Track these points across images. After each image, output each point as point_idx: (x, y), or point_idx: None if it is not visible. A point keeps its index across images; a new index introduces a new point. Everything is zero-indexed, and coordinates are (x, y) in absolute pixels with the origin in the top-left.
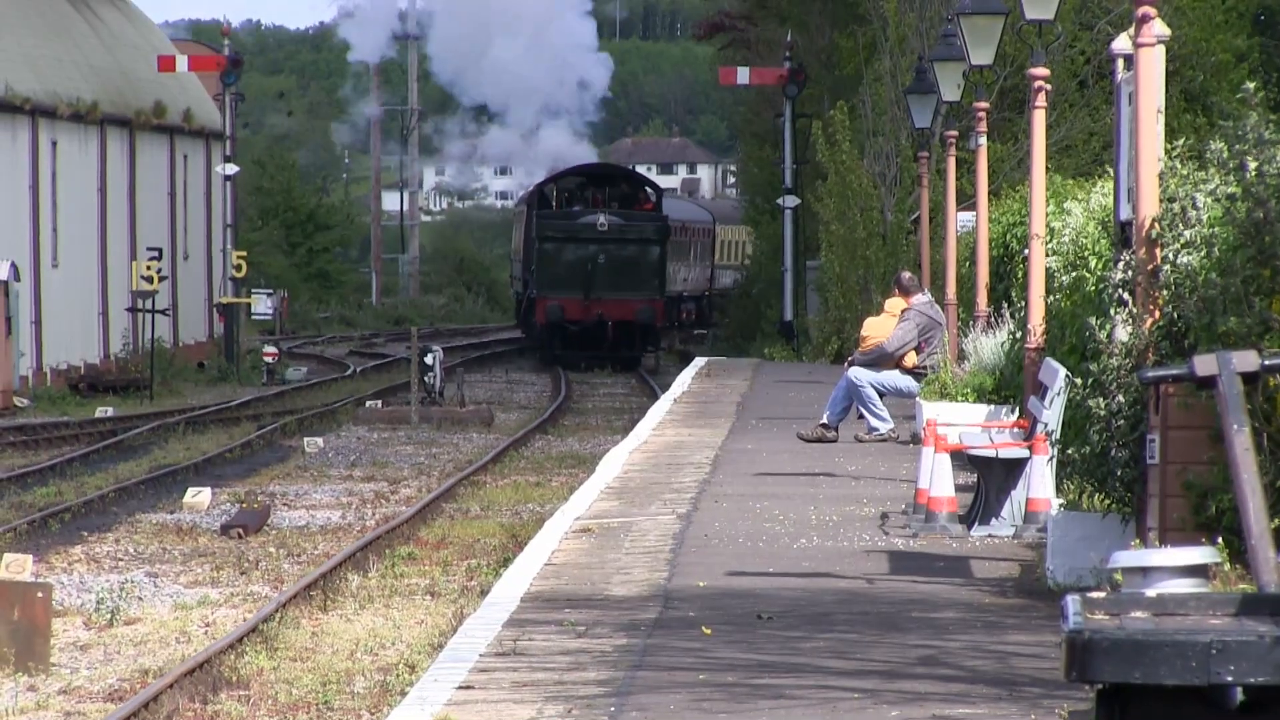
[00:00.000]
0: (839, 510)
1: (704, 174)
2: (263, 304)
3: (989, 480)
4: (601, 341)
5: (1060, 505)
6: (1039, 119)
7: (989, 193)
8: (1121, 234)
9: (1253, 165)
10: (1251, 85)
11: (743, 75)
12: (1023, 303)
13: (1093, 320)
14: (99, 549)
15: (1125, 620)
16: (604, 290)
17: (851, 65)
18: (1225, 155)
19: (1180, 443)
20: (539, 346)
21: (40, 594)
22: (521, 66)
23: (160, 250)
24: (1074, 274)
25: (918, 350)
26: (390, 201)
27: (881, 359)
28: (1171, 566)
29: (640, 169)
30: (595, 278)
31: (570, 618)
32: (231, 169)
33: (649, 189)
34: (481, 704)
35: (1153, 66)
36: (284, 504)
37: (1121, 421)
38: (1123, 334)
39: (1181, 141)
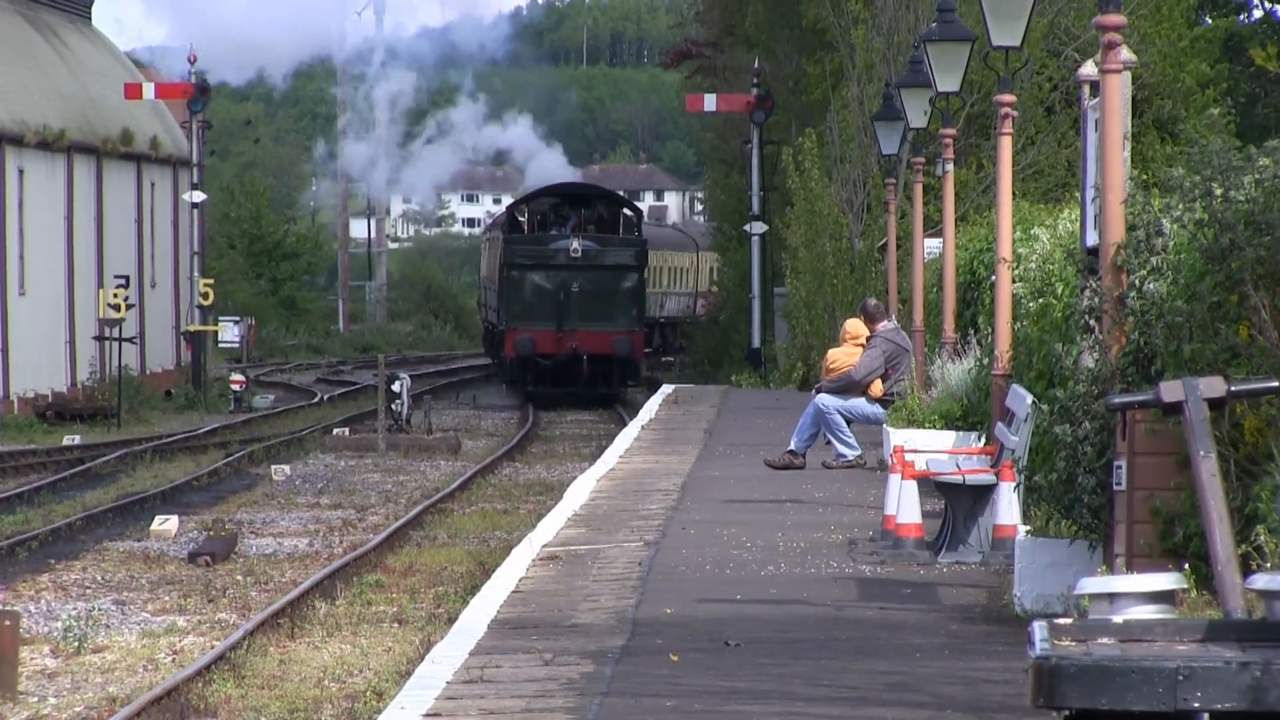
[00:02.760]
0: (807, 537)
1: (671, 200)
2: (230, 331)
3: (956, 507)
4: (577, 377)
5: (1027, 531)
6: (1005, 145)
7: (956, 219)
8: (1088, 260)
9: (1219, 191)
10: (1215, 111)
11: (710, 102)
12: (990, 329)
13: (1059, 347)
14: (66, 577)
15: (1092, 646)
16: (578, 321)
17: (819, 91)
18: (1189, 183)
19: (1147, 469)
20: (509, 381)
21: (7, 622)
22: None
23: (127, 278)
24: (1041, 300)
25: (884, 377)
26: (358, 229)
27: (849, 386)
28: (1138, 592)
29: None
30: (569, 308)
31: (538, 645)
32: (199, 196)
33: (628, 211)
34: None
35: (1119, 93)
36: (251, 532)
37: (1088, 448)
38: (1089, 361)
39: (1136, 172)
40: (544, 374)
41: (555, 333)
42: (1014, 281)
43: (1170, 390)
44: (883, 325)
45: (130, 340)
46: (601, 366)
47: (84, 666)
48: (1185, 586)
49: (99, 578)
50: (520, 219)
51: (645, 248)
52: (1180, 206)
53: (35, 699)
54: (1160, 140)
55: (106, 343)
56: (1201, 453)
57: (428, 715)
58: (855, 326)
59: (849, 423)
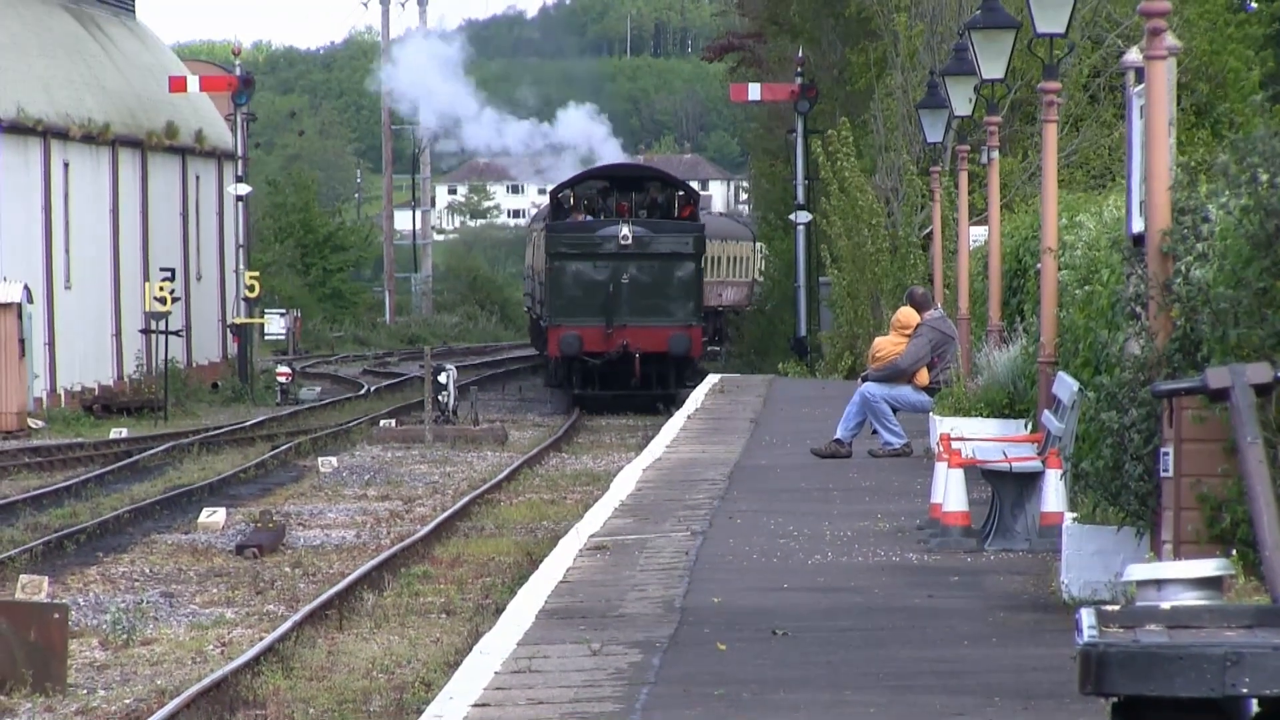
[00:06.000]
0: (854, 526)
1: (716, 190)
2: (276, 324)
3: (1003, 494)
4: (628, 378)
5: (1074, 519)
6: (1050, 132)
7: (1001, 206)
8: (1134, 247)
9: (1264, 177)
10: (1259, 96)
11: (754, 91)
12: (1035, 317)
13: (1105, 334)
14: (114, 570)
15: (1140, 633)
16: (629, 316)
17: (863, 80)
18: (1234, 170)
19: (1194, 455)
20: (554, 384)
21: (57, 615)
22: None
23: (173, 271)
24: (1087, 288)
25: (930, 365)
26: (403, 220)
27: (895, 375)
28: (1186, 579)
29: None
30: (618, 301)
31: (586, 635)
32: (243, 189)
33: (684, 194)
34: None
35: (1164, 79)
36: (299, 523)
37: (1135, 435)
38: (1135, 347)
39: (1183, 159)
40: (591, 375)
41: (604, 329)
42: (1059, 269)
43: (1217, 376)
44: (929, 313)
45: (176, 333)
46: (655, 366)
47: (133, 659)
48: (1232, 572)
49: (147, 570)
50: (565, 205)
51: (703, 234)
52: (1226, 193)
53: (84, 691)
54: (1192, 125)
55: (152, 336)
56: (1248, 439)
57: (476, 705)
58: (907, 315)
59: (895, 411)
